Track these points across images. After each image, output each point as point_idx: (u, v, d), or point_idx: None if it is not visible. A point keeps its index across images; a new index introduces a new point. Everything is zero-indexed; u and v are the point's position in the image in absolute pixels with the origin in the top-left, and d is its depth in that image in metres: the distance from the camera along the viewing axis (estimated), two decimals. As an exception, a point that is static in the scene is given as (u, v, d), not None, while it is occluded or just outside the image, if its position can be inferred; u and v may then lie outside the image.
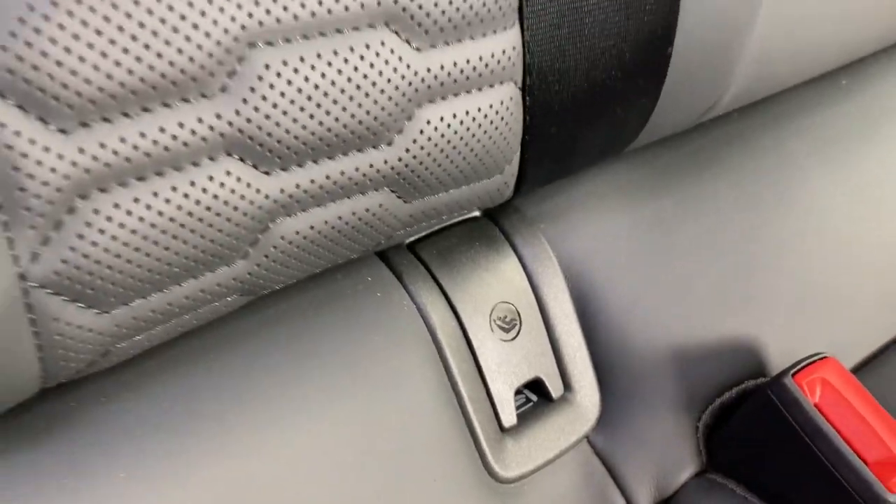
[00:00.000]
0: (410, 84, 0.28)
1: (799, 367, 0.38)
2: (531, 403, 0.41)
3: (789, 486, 0.38)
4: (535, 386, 0.40)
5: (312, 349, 0.35)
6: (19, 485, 0.28)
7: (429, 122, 0.30)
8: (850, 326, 0.47)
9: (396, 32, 0.27)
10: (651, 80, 0.36)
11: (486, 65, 0.30)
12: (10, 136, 0.22)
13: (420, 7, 0.27)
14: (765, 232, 0.47)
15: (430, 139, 0.30)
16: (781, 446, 0.38)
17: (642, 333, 0.42)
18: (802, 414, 0.37)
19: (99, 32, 0.22)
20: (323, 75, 0.26)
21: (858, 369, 0.46)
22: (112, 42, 0.23)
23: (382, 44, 0.27)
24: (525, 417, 0.39)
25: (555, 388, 0.40)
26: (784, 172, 0.49)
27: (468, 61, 0.30)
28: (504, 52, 0.31)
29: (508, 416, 0.38)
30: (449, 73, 0.29)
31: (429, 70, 0.29)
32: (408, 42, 0.28)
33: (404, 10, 0.27)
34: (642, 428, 0.41)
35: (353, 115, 0.28)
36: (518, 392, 0.40)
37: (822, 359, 0.39)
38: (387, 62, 0.28)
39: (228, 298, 0.30)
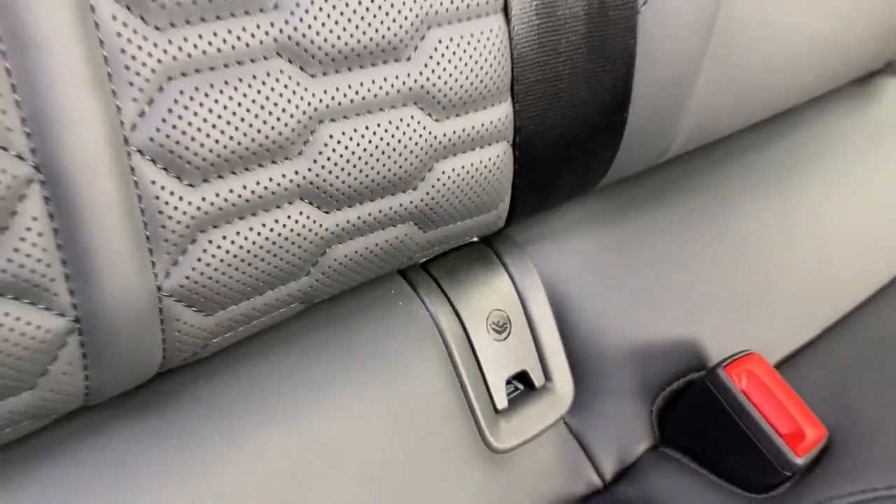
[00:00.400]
0: (431, 145, 0.38)
1: (730, 360, 0.48)
2: (519, 391, 0.50)
3: (723, 454, 0.48)
4: (522, 377, 0.50)
5: (349, 345, 0.44)
6: (138, 446, 0.37)
7: (443, 172, 0.40)
8: (774, 330, 0.57)
9: (422, 109, 0.37)
10: (611, 137, 0.46)
11: (486, 129, 0.40)
12: (158, 190, 0.31)
13: (439, 90, 0.37)
14: (706, 253, 0.57)
15: (444, 185, 0.40)
16: (717, 424, 0.48)
17: (607, 335, 0.52)
18: (732, 398, 0.47)
19: (220, 117, 0.32)
20: (370, 141, 0.36)
21: (780, 364, 0.56)
22: (228, 123, 0.32)
23: (412, 117, 0.37)
24: (514, 402, 0.49)
25: (538, 378, 0.50)
26: (722, 206, 0.59)
27: (473, 127, 0.40)
28: (500, 119, 0.40)
29: (501, 401, 0.48)
30: (459, 136, 0.39)
31: (444, 135, 0.39)
32: (429, 115, 0.38)
33: (428, 92, 0.37)
34: (607, 411, 0.51)
35: (389, 170, 0.37)
36: (508, 382, 0.50)
37: (748, 354, 0.49)
38: (414, 130, 0.37)
39: (292, 305, 0.40)
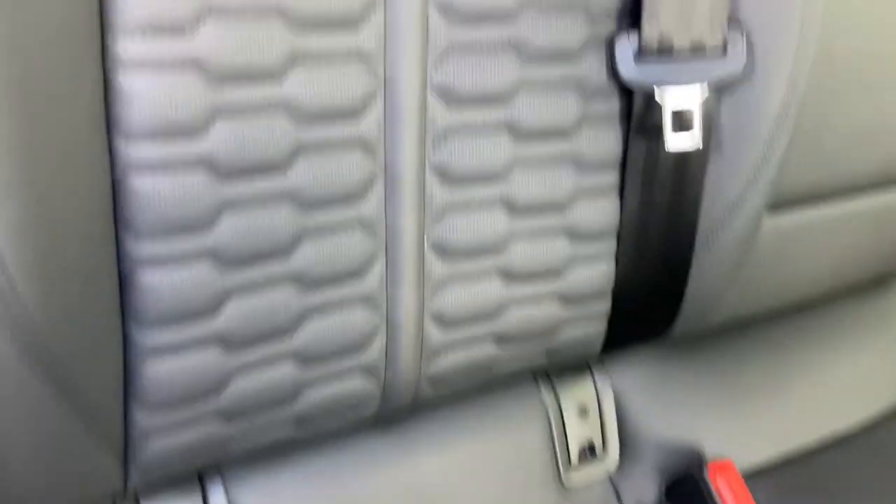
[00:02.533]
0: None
1: (713, 462, 0.81)
2: (587, 455, 0.85)
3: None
4: (591, 446, 0.85)
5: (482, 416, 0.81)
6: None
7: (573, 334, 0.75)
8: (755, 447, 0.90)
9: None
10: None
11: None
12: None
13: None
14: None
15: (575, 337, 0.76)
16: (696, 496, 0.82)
17: (648, 431, 0.86)
18: (708, 489, 0.80)
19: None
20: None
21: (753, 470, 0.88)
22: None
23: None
24: (582, 460, 0.84)
25: (598, 448, 0.84)
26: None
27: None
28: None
29: (574, 458, 0.83)
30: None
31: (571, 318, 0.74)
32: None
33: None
34: (637, 479, 0.85)
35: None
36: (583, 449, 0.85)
37: (726, 461, 0.82)
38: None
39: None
